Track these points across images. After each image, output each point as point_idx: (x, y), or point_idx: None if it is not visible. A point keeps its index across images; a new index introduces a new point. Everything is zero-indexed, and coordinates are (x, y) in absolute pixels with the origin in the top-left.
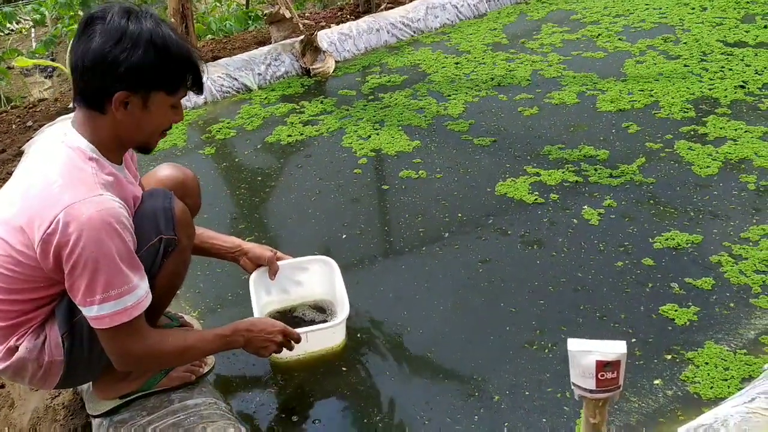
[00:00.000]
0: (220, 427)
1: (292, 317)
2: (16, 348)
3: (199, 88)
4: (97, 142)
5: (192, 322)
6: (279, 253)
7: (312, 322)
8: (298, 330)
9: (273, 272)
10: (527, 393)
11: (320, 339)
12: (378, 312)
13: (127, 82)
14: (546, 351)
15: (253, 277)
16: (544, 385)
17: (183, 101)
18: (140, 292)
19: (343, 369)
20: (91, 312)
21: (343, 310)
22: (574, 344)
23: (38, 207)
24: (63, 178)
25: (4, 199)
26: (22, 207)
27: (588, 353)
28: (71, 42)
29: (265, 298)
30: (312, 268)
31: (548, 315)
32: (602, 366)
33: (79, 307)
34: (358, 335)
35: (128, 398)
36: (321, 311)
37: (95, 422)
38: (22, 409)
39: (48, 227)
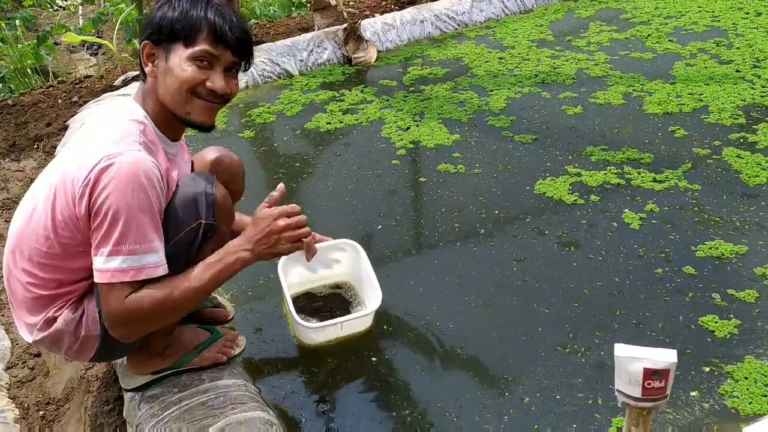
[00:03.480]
0: (248, 410)
1: (312, 297)
2: (54, 319)
3: (221, 39)
4: (149, 110)
5: (225, 304)
6: (318, 236)
7: (331, 300)
8: (334, 320)
9: (311, 255)
10: (558, 397)
11: (352, 325)
12: (408, 305)
13: (149, 33)
14: (579, 355)
15: (281, 261)
16: (575, 390)
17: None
18: (151, 258)
19: (373, 359)
20: (98, 263)
21: (374, 297)
22: (621, 349)
23: (82, 158)
24: (110, 134)
25: (56, 164)
26: (73, 160)
27: (636, 360)
28: None
29: (291, 280)
30: (338, 250)
31: (582, 319)
32: (650, 374)
33: (92, 258)
34: (386, 327)
35: (160, 375)
36: (339, 288)
37: (127, 396)
38: (57, 378)
39: (87, 174)
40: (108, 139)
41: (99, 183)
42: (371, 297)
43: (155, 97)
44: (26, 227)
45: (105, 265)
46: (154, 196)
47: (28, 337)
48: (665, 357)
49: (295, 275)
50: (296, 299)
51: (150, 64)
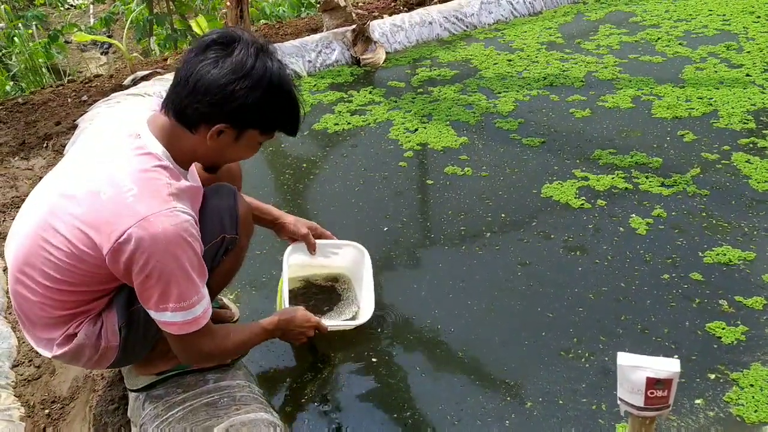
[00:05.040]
0: (252, 411)
1: (307, 284)
2: (75, 334)
3: (292, 134)
4: (173, 151)
5: (230, 305)
6: (320, 230)
7: (324, 293)
8: (327, 323)
9: (311, 248)
10: (561, 402)
11: (338, 325)
12: (410, 307)
13: (233, 118)
14: (582, 360)
15: (287, 250)
16: (579, 395)
17: None
18: (207, 299)
19: (374, 361)
20: (163, 317)
21: (366, 307)
22: (624, 358)
23: (109, 215)
24: (136, 186)
25: (64, 186)
26: (91, 210)
27: (639, 369)
28: (186, 53)
29: (292, 261)
30: (345, 250)
31: (587, 323)
32: (653, 383)
33: (149, 311)
34: (388, 329)
35: (165, 375)
36: (334, 281)
37: (132, 395)
38: (63, 377)
39: (120, 237)
40: (138, 195)
41: (140, 249)
42: (363, 303)
43: (191, 150)
44: (33, 248)
45: (172, 319)
46: (197, 246)
47: (46, 353)
48: (668, 366)
49: (297, 259)
50: (291, 283)
51: (215, 137)
